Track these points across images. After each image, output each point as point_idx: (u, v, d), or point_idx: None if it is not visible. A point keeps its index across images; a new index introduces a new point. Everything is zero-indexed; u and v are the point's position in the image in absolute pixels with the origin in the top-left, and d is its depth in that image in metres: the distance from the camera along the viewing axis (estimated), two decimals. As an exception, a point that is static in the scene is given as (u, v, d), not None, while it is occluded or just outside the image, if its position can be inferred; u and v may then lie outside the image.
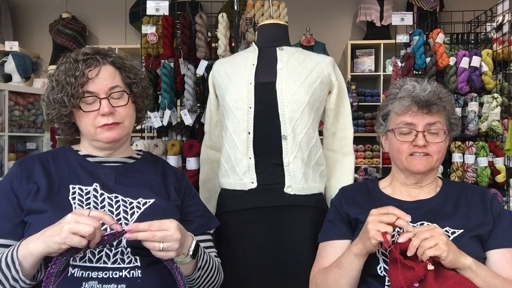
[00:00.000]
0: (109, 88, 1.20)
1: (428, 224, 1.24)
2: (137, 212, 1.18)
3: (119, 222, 1.10)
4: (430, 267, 1.10)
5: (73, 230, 0.97)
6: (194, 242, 1.15)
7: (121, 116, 1.22)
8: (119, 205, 1.18)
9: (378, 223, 1.12)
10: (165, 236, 1.04)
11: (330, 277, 1.25)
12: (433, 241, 1.08)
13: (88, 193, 1.18)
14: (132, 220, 1.16)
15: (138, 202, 1.19)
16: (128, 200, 1.19)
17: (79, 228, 0.97)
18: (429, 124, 1.29)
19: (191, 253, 1.13)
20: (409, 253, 1.09)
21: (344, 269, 1.22)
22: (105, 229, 1.06)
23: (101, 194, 1.18)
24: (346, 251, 1.24)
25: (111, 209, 1.16)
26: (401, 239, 1.10)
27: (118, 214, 1.16)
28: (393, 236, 1.16)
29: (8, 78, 3.65)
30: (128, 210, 1.17)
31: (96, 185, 1.19)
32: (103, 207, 1.16)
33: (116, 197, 1.19)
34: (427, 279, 1.09)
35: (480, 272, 1.14)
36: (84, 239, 0.97)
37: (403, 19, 2.44)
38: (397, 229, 1.16)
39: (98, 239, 1.01)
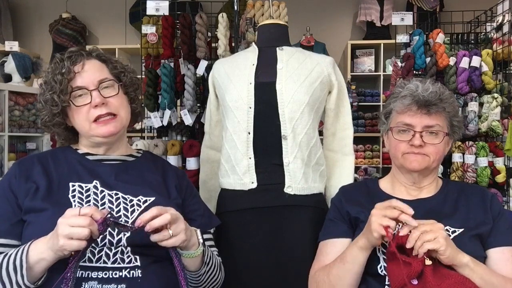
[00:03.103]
0: (97, 81, 1.21)
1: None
2: (138, 210, 1.17)
3: (119, 220, 1.10)
4: (428, 262, 1.10)
5: (69, 236, 0.96)
6: (198, 230, 1.17)
7: (114, 106, 1.22)
8: (119, 202, 1.18)
9: (381, 217, 1.13)
10: (174, 215, 1.05)
11: (333, 272, 1.25)
12: (432, 234, 1.09)
13: (88, 190, 1.18)
14: (132, 218, 1.15)
15: (139, 200, 1.19)
16: (128, 198, 1.19)
17: (73, 232, 0.96)
18: (428, 126, 1.29)
19: (201, 240, 1.16)
20: (408, 245, 1.10)
21: (347, 263, 1.22)
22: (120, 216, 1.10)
23: (101, 191, 1.18)
24: (350, 245, 1.25)
25: (111, 206, 1.16)
26: (403, 232, 1.11)
27: (119, 211, 1.16)
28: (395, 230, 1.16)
29: (8, 78, 3.64)
30: (128, 207, 1.17)
31: (96, 182, 1.19)
32: (103, 204, 1.16)
33: (116, 194, 1.19)
34: (426, 276, 1.09)
35: (478, 270, 1.14)
36: (83, 241, 0.97)
37: (403, 19, 2.44)
38: (400, 224, 1.16)
39: (96, 232, 0.99)
